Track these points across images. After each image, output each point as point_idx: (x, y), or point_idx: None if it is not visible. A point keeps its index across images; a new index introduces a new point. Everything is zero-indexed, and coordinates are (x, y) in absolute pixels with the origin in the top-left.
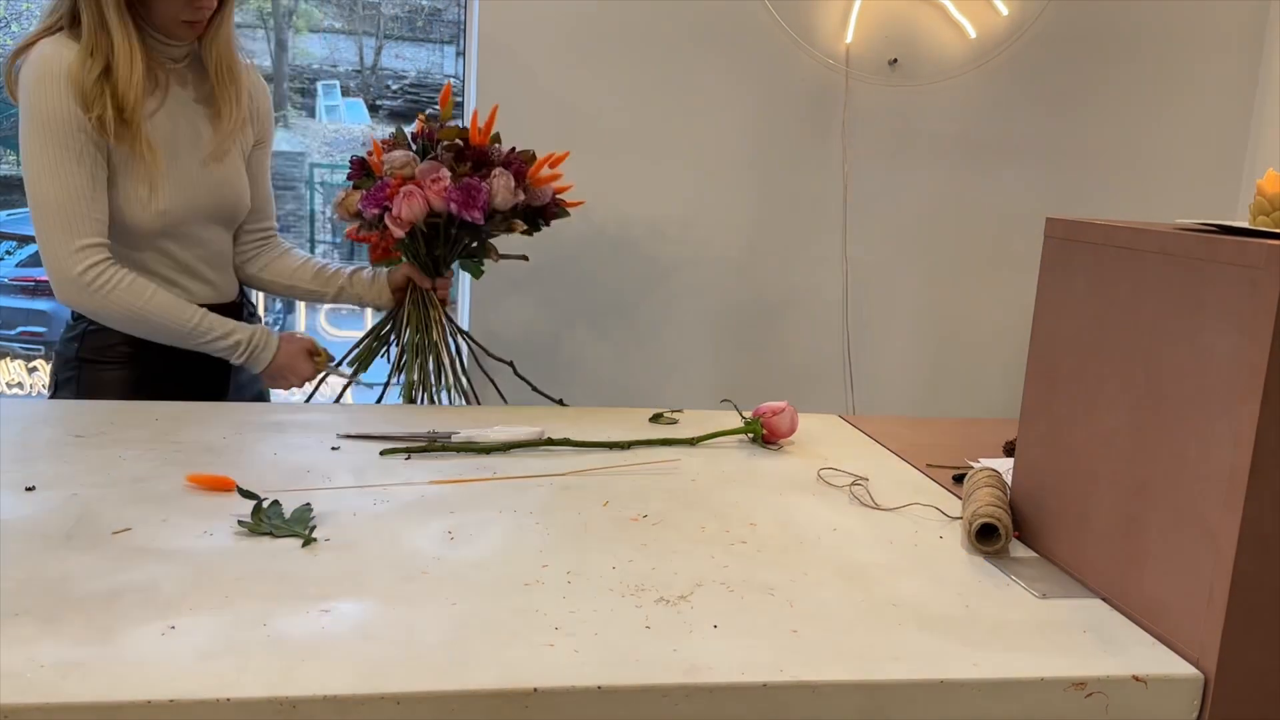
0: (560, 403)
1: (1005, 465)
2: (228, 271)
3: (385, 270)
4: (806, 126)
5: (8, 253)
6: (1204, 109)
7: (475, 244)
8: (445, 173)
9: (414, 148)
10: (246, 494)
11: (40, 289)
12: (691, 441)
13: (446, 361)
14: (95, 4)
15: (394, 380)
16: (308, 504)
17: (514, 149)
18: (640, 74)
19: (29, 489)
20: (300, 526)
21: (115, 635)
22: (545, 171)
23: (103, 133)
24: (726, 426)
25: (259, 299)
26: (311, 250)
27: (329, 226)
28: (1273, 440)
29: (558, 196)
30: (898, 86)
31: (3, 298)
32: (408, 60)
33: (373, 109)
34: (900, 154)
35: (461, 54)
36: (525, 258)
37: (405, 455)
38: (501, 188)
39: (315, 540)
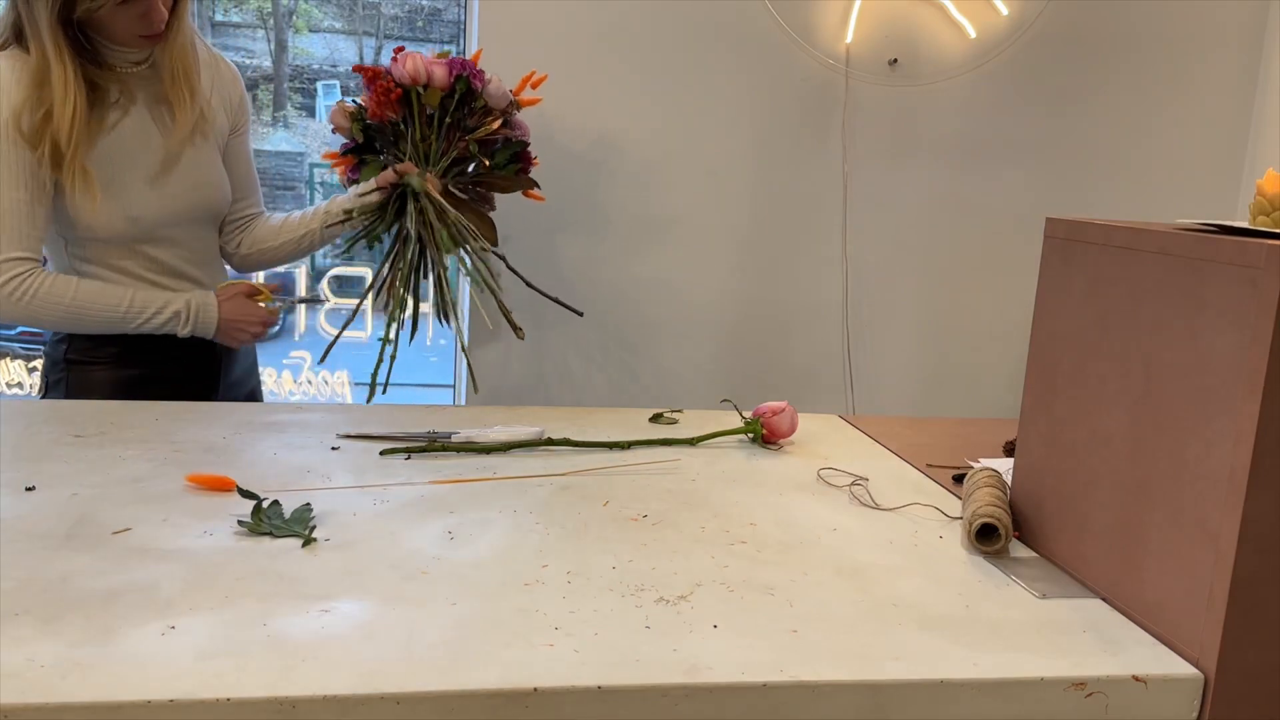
0: (558, 301)
1: (1005, 465)
2: (214, 266)
3: (370, 182)
4: (806, 126)
5: None
6: (1204, 109)
7: (466, 156)
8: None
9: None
10: (246, 494)
11: None
12: (691, 441)
13: (437, 238)
14: (35, 34)
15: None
16: (308, 504)
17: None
18: (639, 74)
19: (29, 489)
20: (300, 526)
21: (115, 635)
22: (528, 93)
23: (42, 165)
24: (726, 426)
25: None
26: None
27: None
28: (1273, 440)
29: (529, 152)
30: (898, 86)
31: None
32: None
33: None
34: (900, 154)
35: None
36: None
37: (405, 455)
38: (495, 81)
39: (315, 540)
